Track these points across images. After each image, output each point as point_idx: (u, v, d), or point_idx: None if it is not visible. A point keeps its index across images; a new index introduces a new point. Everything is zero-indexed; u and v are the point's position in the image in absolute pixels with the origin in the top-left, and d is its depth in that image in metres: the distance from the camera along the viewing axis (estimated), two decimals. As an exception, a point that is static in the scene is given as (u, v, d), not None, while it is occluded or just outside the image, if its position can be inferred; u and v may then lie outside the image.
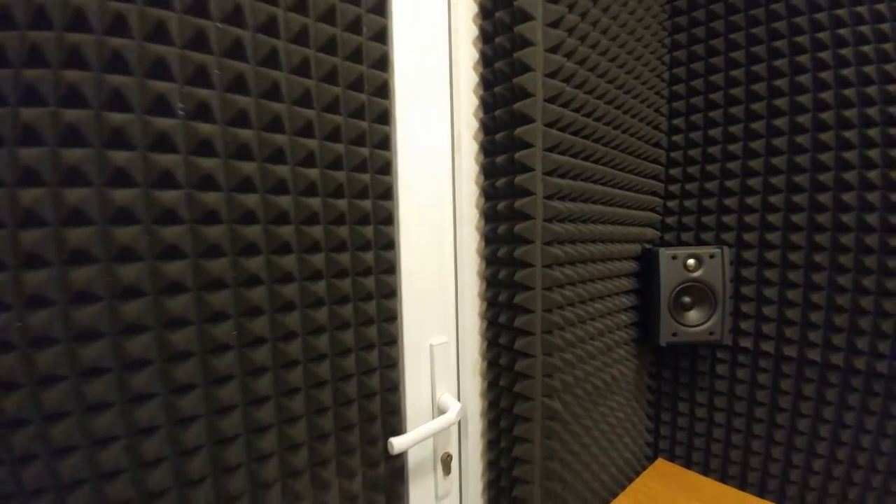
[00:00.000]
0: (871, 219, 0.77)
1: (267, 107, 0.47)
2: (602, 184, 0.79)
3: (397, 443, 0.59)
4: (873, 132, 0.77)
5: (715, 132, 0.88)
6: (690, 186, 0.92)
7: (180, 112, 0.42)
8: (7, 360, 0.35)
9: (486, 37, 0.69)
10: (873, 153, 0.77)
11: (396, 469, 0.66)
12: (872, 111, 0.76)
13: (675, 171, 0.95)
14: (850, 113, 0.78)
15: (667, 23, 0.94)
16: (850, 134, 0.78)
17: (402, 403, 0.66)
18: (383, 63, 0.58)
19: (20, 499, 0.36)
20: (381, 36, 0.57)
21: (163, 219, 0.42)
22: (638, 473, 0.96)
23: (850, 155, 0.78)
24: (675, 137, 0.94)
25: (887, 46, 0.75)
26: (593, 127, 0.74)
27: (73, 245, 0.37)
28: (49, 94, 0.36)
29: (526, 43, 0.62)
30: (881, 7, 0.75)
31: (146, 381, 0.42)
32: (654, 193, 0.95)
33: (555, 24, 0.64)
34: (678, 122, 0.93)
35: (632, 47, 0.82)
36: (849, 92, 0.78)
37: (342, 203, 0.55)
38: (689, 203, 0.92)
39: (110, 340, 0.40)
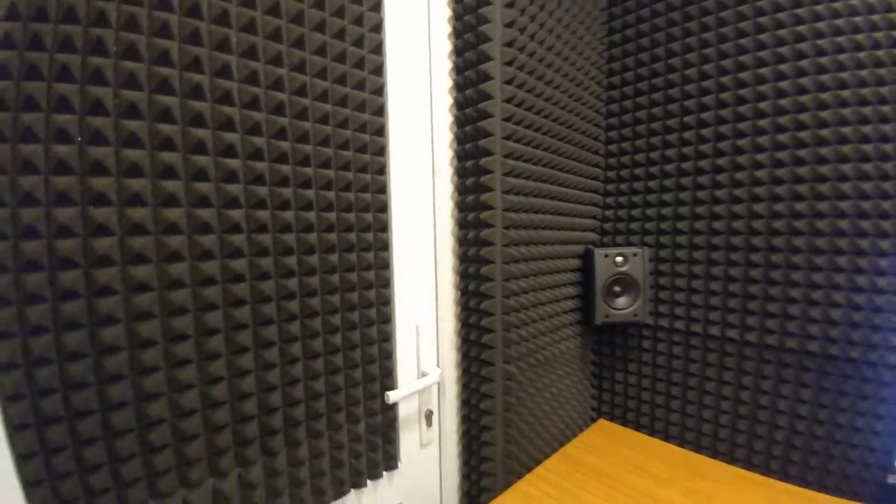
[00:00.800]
0: (758, 224, 0.99)
1: (301, 149, 0.65)
2: (550, 198, 1.00)
3: (392, 395, 0.78)
4: (762, 157, 0.98)
5: (640, 157, 1.10)
6: (622, 199, 1.14)
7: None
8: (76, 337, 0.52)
9: (459, 87, 0.88)
10: (762, 173, 0.98)
11: (390, 419, 0.84)
12: (764, 140, 0.96)
13: (611, 187, 1.16)
14: (744, 142, 0.99)
15: (604, 67, 1.15)
16: (742, 159, 0.99)
17: (395, 369, 0.84)
18: (380, 110, 0.76)
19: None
20: (380, 91, 0.76)
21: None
22: (582, 429, 1.17)
23: (741, 175, 1.00)
24: (610, 160, 1.16)
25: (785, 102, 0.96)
26: (541, 155, 0.94)
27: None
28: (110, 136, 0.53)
29: (486, 96, 0.82)
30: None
31: (216, 344, 0.59)
32: (594, 205, 1.16)
33: (509, 82, 0.84)
34: (612, 147, 1.15)
35: (573, 92, 1.02)
36: (744, 126, 0.98)
37: (351, 216, 0.73)
38: (621, 213, 1.14)
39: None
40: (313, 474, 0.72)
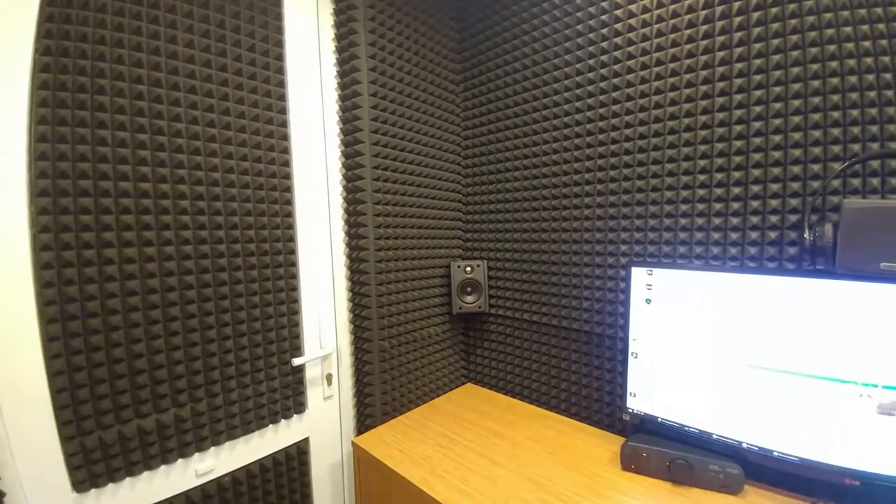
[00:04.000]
0: (534, 247, 1.45)
1: (228, 192, 1.04)
2: (416, 228, 1.42)
3: (296, 360, 1.18)
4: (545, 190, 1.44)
5: (483, 198, 1.55)
6: (475, 226, 1.59)
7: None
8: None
9: (346, 156, 1.29)
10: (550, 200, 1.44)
11: (299, 378, 1.24)
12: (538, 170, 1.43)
13: (468, 217, 1.61)
14: (544, 189, 1.44)
15: (463, 123, 1.59)
16: (533, 204, 1.45)
17: (302, 344, 1.24)
18: (287, 179, 1.16)
19: (133, 367, 0.91)
20: (285, 151, 1.15)
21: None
22: (452, 389, 1.61)
23: (533, 213, 1.46)
24: (467, 197, 1.60)
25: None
26: (407, 200, 1.37)
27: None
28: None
29: (359, 154, 1.23)
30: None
31: (176, 326, 0.97)
32: (458, 229, 1.61)
33: (375, 131, 1.25)
34: (468, 189, 1.60)
35: (436, 153, 1.45)
36: (535, 160, 1.44)
37: (268, 245, 1.12)
38: (474, 235, 1.59)
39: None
40: (242, 411, 1.11)
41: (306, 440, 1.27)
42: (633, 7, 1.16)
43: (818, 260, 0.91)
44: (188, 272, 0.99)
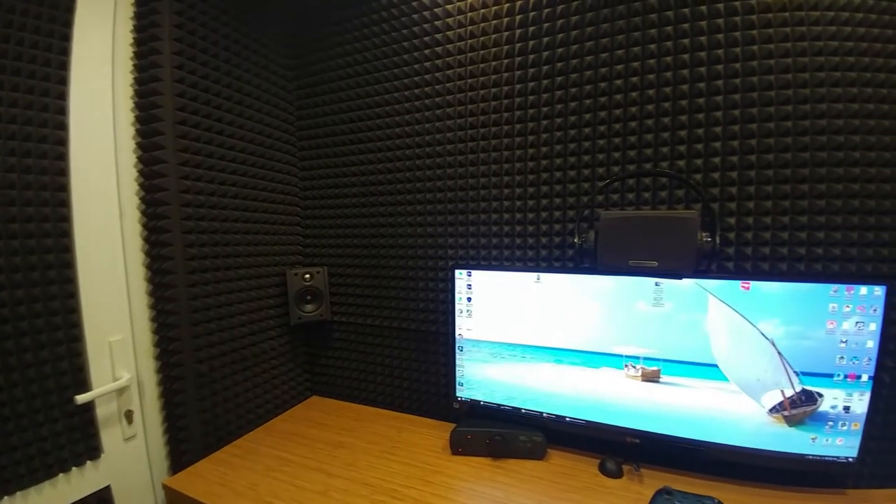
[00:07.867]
0: (375, 251, 1.54)
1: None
2: (244, 234, 1.36)
3: (79, 398, 1.01)
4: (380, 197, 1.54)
5: (322, 203, 1.57)
6: (313, 232, 1.59)
7: None
8: None
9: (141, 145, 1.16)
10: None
11: (87, 419, 1.06)
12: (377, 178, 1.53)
13: (307, 223, 1.61)
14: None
15: (297, 123, 1.57)
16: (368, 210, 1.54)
17: (88, 377, 1.06)
18: (62, 175, 0.99)
19: None
20: (61, 143, 0.99)
21: None
22: (293, 405, 1.58)
23: (370, 219, 1.54)
24: (305, 202, 1.60)
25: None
26: (228, 202, 1.30)
27: None
28: None
29: (159, 147, 1.14)
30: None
31: None
32: (297, 234, 1.59)
33: (182, 123, 1.16)
34: (306, 193, 1.59)
35: (266, 152, 1.41)
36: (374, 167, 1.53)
37: (35, 258, 0.94)
38: (312, 241, 1.60)
39: None
40: (26, 458, 0.94)
41: (108, 489, 1.11)
42: (450, 34, 1.33)
43: (585, 259, 1.20)
44: None
